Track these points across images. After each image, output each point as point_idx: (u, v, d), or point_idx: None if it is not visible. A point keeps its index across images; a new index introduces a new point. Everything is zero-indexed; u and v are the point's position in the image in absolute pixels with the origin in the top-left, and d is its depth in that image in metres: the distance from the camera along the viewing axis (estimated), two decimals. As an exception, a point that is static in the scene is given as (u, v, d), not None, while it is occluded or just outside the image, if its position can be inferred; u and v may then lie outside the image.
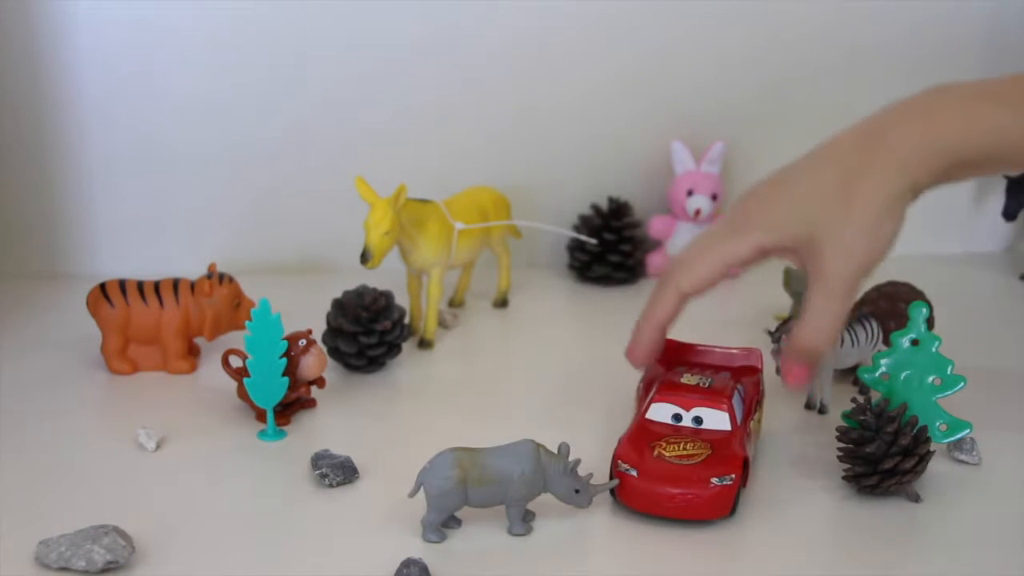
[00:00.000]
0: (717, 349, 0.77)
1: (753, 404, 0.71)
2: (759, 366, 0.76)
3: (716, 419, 0.68)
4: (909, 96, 0.64)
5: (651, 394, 0.70)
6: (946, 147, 0.61)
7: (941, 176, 0.61)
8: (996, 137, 0.61)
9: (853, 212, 0.60)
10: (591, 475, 0.64)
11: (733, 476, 0.64)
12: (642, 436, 0.67)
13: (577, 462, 0.63)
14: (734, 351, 0.77)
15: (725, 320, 0.93)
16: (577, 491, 0.63)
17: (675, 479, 0.64)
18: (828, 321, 0.62)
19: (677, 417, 0.68)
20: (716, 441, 0.66)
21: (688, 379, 0.71)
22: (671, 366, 0.75)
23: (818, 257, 0.61)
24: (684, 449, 0.66)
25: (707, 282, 0.64)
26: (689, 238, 1.10)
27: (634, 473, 0.64)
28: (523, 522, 0.63)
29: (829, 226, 0.61)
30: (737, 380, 0.72)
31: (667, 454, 0.65)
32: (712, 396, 0.69)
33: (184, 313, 0.85)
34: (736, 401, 0.69)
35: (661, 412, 0.69)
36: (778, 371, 0.77)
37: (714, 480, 0.63)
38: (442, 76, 1.10)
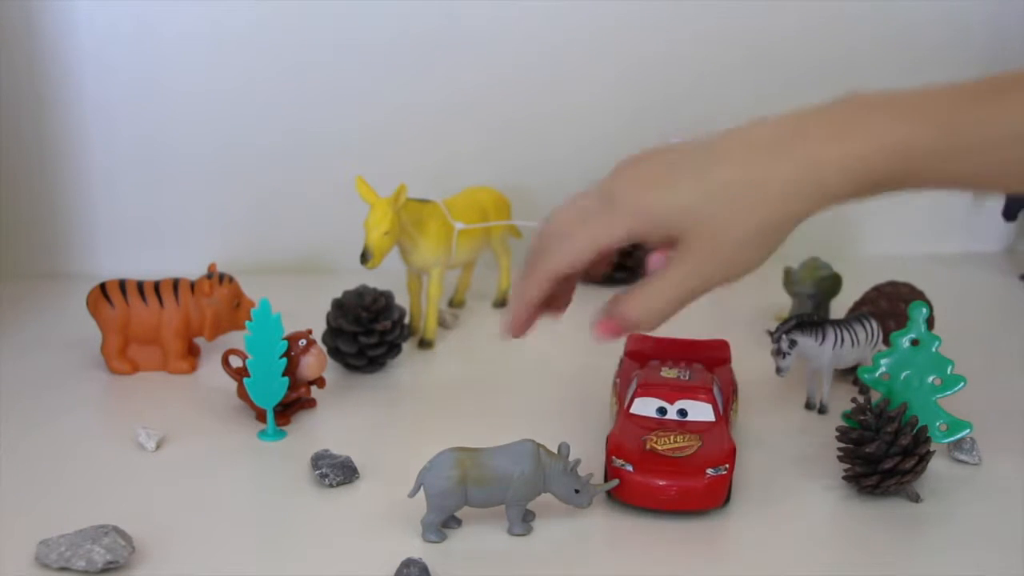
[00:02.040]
0: (686, 342, 0.78)
1: (729, 394, 0.73)
2: (727, 357, 0.78)
3: (701, 411, 0.69)
4: (821, 104, 0.60)
5: (632, 389, 0.71)
6: (852, 168, 0.57)
7: (847, 198, 0.59)
8: (904, 157, 0.57)
9: (733, 225, 0.58)
10: (591, 475, 0.64)
11: (727, 466, 0.64)
12: (631, 431, 0.67)
13: (577, 462, 0.63)
14: (703, 343, 0.79)
15: (725, 320, 0.93)
16: (577, 491, 0.63)
17: (671, 472, 0.64)
18: (660, 307, 0.60)
19: (662, 411, 0.69)
20: (704, 432, 0.67)
21: (667, 373, 0.72)
22: (643, 360, 0.76)
23: (684, 253, 0.59)
24: (675, 442, 0.66)
25: (579, 263, 0.61)
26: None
27: (630, 468, 0.64)
28: (523, 522, 0.63)
29: (704, 231, 0.58)
30: (710, 371, 0.73)
31: (659, 447, 0.66)
32: (695, 389, 0.70)
33: (184, 313, 0.85)
34: (716, 392, 0.70)
35: (645, 406, 0.69)
36: (778, 371, 0.77)
37: (709, 471, 0.64)
38: (442, 76, 1.10)
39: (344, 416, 0.79)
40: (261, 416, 0.77)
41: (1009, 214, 1.14)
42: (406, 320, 0.89)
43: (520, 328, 0.64)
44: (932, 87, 0.59)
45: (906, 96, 0.58)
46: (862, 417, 0.67)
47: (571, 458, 0.63)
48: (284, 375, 0.74)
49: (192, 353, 0.88)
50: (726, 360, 0.78)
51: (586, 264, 0.62)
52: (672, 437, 0.66)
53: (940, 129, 0.57)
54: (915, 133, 0.57)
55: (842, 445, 0.68)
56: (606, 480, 0.66)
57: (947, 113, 0.57)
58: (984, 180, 0.59)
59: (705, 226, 0.58)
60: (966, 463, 0.72)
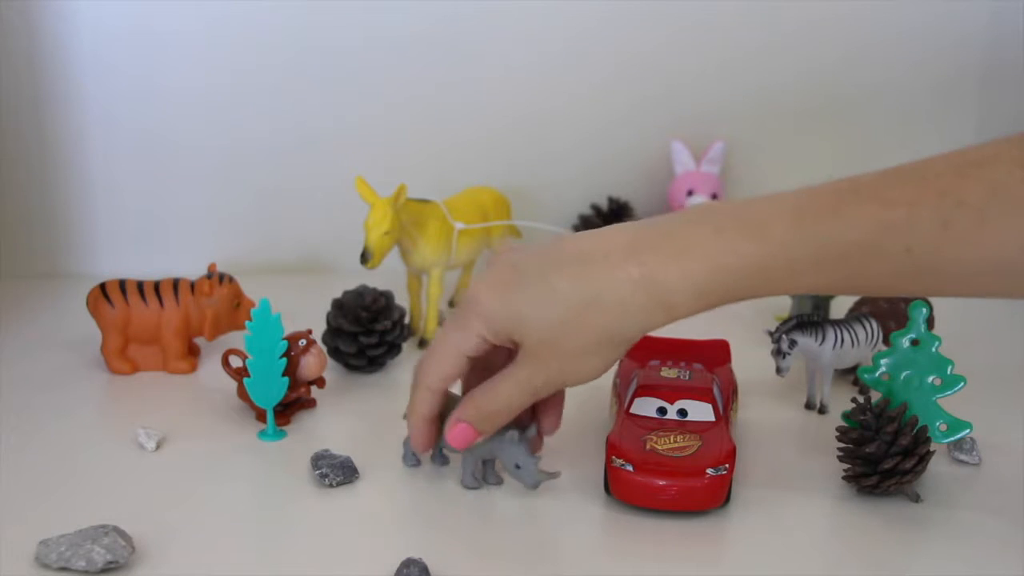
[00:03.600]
0: (685, 342, 0.78)
1: (729, 394, 0.73)
2: (727, 357, 0.78)
3: (701, 411, 0.69)
4: (678, 214, 0.61)
5: (633, 388, 0.71)
6: (692, 285, 0.58)
7: (690, 312, 0.59)
8: (744, 275, 0.58)
9: (568, 335, 0.60)
10: (540, 457, 0.66)
11: (727, 466, 0.64)
12: (631, 431, 0.68)
13: (529, 437, 0.65)
14: (703, 343, 0.79)
15: (725, 320, 0.93)
16: (518, 466, 0.65)
17: (671, 472, 0.64)
18: (497, 408, 0.63)
19: (662, 411, 0.69)
20: (704, 432, 0.67)
21: (667, 373, 0.72)
22: (643, 360, 0.76)
23: (523, 356, 0.61)
24: (675, 442, 0.66)
25: (453, 375, 0.64)
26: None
27: (630, 468, 0.64)
28: (473, 477, 0.67)
29: (541, 337, 0.60)
30: (710, 371, 0.73)
31: (660, 447, 0.66)
32: (695, 389, 0.70)
33: (184, 313, 0.85)
34: (716, 392, 0.70)
35: (645, 406, 0.69)
36: (778, 371, 0.77)
37: (710, 471, 0.64)
38: (442, 76, 1.10)
39: (344, 416, 0.79)
40: (261, 416, 0.77)
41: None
42: (406, 320, 0.89)
43: (423, 444, 0.67)
44: (778, 198, 0.59)
45: (746, 213, 0.58)
46: (862, 417, 0.67)
47: (530, 435, 0.65)
48: (284, 375, 0.74)
49: (192, 353, 0.88)
50: (726, 360, 0.78)
51: (462, 370, 0.64)
52: (672, 437, 0.67)
53: (781, 247, 0.57)
54: (757, 252, 0.57)
55: (842, 445, 0.68)
56: (605, 481, 0.66)
57: (787, 231, 0.57)
58: (832, 289, 0.60)
59: (542, 333, 0.60)
60: (966, 463, 0.72)
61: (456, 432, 0.64)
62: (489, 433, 0.64)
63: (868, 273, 0.57)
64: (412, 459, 0.70)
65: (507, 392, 0.63)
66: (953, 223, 0.54)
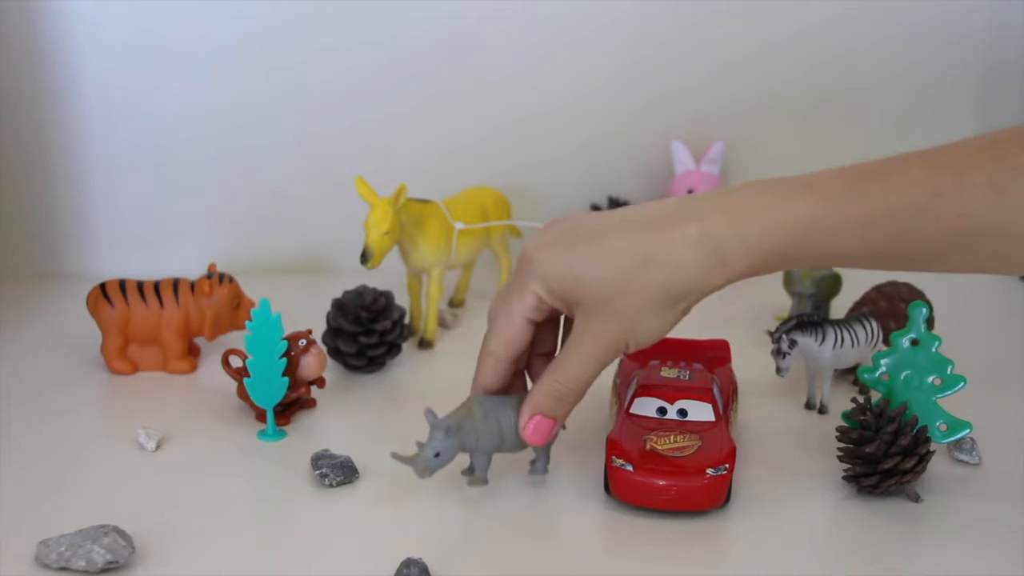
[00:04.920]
0: (685, 342, 0.78)
1: (729, 394, 0.73)
2: (727, 357, 0.78)
3: (701, 411, 0.69)
4: (710, 191, 0.63)
5: (633, 388, 0.71)
6: (748, 243, 0.58)
7: (744, 273, 0.59)
8: (799, 230, 0.58)
9: (627, 293, 0.59)
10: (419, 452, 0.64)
11: (727, 466, 0.64)
12: (631, 431, 0.68)
13: (432, 420, 0.63)
14: (703, 343, 0.79)
15: (725, 320, 0.93)
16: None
17: (671, 472, 0.64)
18: (579, 372, 0.62)
19: (662, 411, 0.69)
20: (704, 432, 0.67)
21: (667, 373, 0.72)
22: (643, 360, 0.76)
23: (582, 320, 0.61)
24: (675, 442, 0.66)
25: (514, 339, 0.63)
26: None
27: (630, 468, 0.64)
28: (485, 471, 0.66)
29: (599, 296, 0.60)
30: (710, 371, 0.73)
31: (659, 447, 0.66)
32: (695, 389, 0.70)
33: (184, 313, 0.85)
34: (716, 392, 0.70)
35: (645, 406, 0.69)
36: (778, 371, 0.77)
37: (710, 471, 0.64)
38: (442, 76, 1.10)
39: (344, 416, 0.79)
40: (261, 416, 0.77)
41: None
42: (406, 320, 0.89)
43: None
44: (827, 169, 0.60)
45: (797, 178, 0.60)
46: (862, 417, 0.67)
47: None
48: (284, 375, 0.74)
49: (192, 353, 0.88)
50: (726, 360, 0.78)
51: (522, 335, 0.63)
52: (672, 437, 0.67)
53: (833, 202, 0.58)
54: (809, 207, 0.58)
55: (842, 445, 0.68)
56: (605, 481, 0.66)
57: (839, 189, 0.58)
58: (879, 257, 0.59)
59: (600, 291, 0.60)
60: (966, 463, 0.72)
61: (532, 427, 0.63)
62: (565, 418, 0.63)
63: (916, 238, 0.57)
64: (425, 473, 0.64)
65: (576, 364, 0.61)
66: (1008, 188, 0.55)
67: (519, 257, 0.63)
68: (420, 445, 0.63)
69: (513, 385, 0.67)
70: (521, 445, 0.65)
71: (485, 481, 0.66)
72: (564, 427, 0.66)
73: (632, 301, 0.59)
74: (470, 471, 0.66)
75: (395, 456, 0.64)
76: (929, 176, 0.56)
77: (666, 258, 0.59)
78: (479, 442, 0.64)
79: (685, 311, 0.62)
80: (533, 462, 0.68)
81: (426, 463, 0.63)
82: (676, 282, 0.59)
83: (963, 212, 0.56)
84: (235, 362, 0.79)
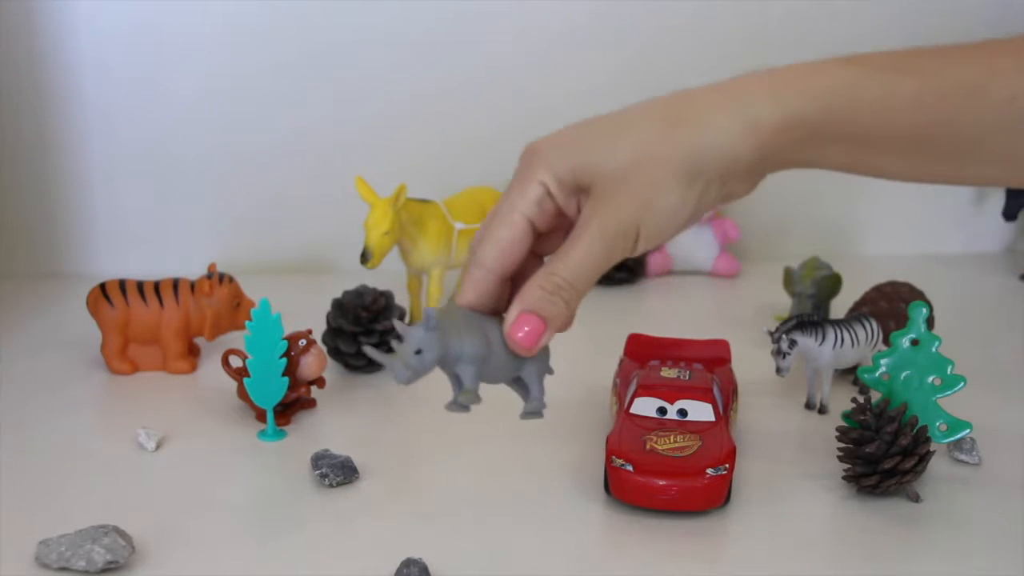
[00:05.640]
0: (685, 342, 0.78)
1: (729, 394, 0.73)
2: (727, 357, 0.78)
3: (701, 411, 0.69)
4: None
5: (633, 388, 0.71)
6: (782, 102, 0.53)
7: (774, 139, 0.54)
8: (847, 99, 0.53)
9: (644, 166, 0.52)
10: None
11: (727, 466, 0.64)
12: (631, 431, 0.68)
13: (403, 327, 0.52)
14: (703, 343, 0.79)
15: (725, 320, 0.93)
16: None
17: (671, 472, 0.64)
18: (582, 258, 0.52)
19: (662, 411, 0.69)
20: (704, 432, 0.67)
21: (667, 373, 0.72)
22: (643, 360, 0.76)
23: (596, 199, 0.53)
24: (675, 442, 0.66)
25: (510, 245, 0.54)
26: (688, 239, 1.11)
27: (630, 468, 0.64)
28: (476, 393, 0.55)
29: (610, 174, 0.52)
30: (710, 371, 0.73)
31: (659, 447, 0.66)
32: (695, 389, 0.70)
33: (184, 313, 0.85)
34: (716, 392, 0.70)
35: (645, 406, 0.69)
36: (778, 371, 0.77)
37: (710, 471, 0.64)
38: (442, 76, 1.10)
39: (344, 416, 0.79)
40: (261, 416, 0.77)
41: (1009, 214, 1.14)
42: (406, 320, 0.89)
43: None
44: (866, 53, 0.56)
45: (837, 58, 0.55)
46: (862, 417, 0.67)
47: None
48: (284, 375, 0.74)
49: (192, 353, 0.88)
50: (726, 360, 0.78)
51: (521, 238, 0.55)
52: (672, 437, 0.66)
53: (881, 73, 0.54)
54: (853, 75, 0.54)
55: (842, 445, 0.68)
56: (605, 481, 0.66)
57: (887, 61, 0.54)
58: (924, 140, 0.54)
59: (617, 163, 0.53)
60: (966, 463, 0.72)
61: (520, 326, 0.52)
62: (561, 322, 0.53)
63: (967, 117, 0.54)
64: (404, 374, 0.51)
65: (579, 252, 0.52)
66: None
67: (521, 155, 0.56)
68: (397, 343, 0.51)
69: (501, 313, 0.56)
70: (510, 366, 0.55)
71: (478, 398, 0.54)
72: (551, 371, 0.56)
73: (651, 171, 0.52)
74: (453, 403, 0.55)
75: (369, 352, 0.51)
76: (987, 56, 0.54)
77: (691, 116, 0.54)
78: (464, 345, 0.52)
79: (702, 196, 0.53)
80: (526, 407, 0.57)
81: (406, 361, 0.51)
82: (702, 148, 0.53)
83: (1017, 95, 0.53)
84: (235, 362, 0.79)
